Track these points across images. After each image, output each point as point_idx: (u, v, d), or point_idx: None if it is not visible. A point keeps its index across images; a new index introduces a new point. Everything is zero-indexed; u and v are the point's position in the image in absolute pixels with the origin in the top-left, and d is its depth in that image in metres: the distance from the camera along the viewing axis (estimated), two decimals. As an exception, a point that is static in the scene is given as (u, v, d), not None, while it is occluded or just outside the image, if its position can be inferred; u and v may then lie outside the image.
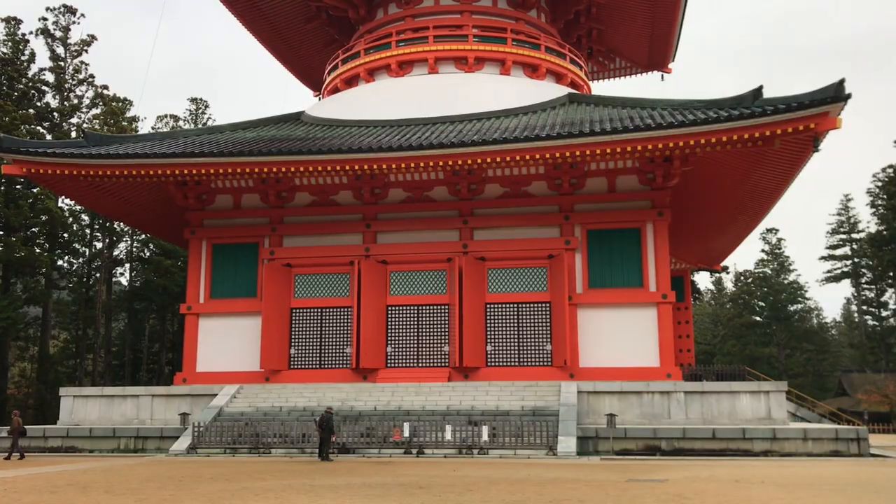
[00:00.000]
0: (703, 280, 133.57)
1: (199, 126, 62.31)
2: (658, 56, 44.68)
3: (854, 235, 77.27)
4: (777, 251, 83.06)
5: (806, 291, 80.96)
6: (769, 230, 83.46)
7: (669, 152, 26.44)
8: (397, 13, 36.08)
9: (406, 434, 23.52)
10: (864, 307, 77.22)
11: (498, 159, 26.14)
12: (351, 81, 35.76)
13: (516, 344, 29.42)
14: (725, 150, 25.81)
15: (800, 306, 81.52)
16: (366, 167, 27.10)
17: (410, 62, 34.28)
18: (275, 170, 27.56)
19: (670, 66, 46.00)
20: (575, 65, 36.05)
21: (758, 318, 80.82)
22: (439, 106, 31.52)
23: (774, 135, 24.04)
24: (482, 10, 35.50)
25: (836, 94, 23.11)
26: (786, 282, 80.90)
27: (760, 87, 25.12)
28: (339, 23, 40.27)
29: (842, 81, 23.15)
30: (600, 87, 48.97)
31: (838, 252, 78.01)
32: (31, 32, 54.87)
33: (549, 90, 33.05)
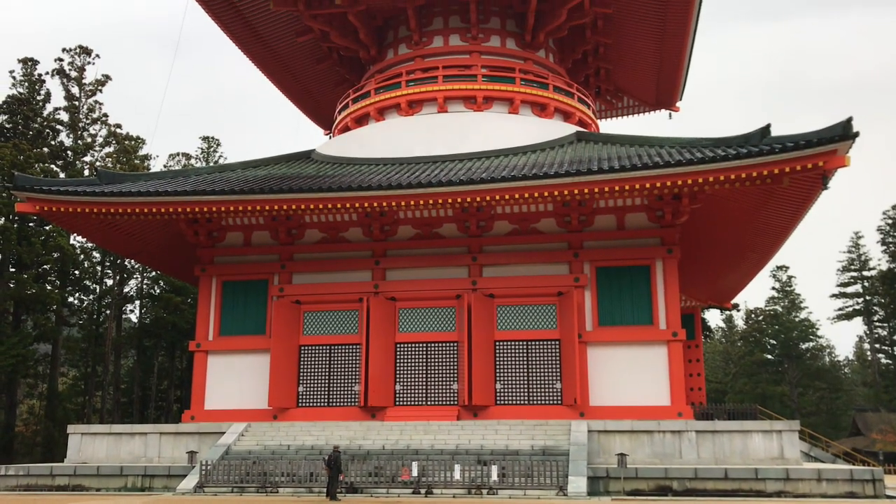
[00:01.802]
0: (713, 318, 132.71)
1: (211, 164, 62.93)
2: (665, 95, 44.99)
3: (865, 273, 76.83)
4: (788, 289, 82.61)
5: (817, 329, 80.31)
6: (779, 267, 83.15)
7: (678, 190, 26.50)
8: (407, 53, 36.55)
9: (414, 474, 23.29)
10: (877, 345, 76.46)
11: (507, 197, 26.25)
12: (361, 120, 36.12)
13: (526, 382, 29.25)
14: (734, 188, 25.84)
15: (812, 344, 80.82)
16: (375, 205, 27.24)
17: (420, 101, 34.63)
18: (285, 207, 27.73)
19: (678, 104, 46.29)
20: (583, 103, 36.33)
21: (769, 356, 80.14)
22: (448, 144, 31.77)
23: (783, 173, 24.08)
24: (491, 50, 35.91)
25: (844, 133, 23.18)
26: (797, 319, 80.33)
27: (768, 126, 25.22)
28: (349, 63, 40.81)
29: (849, 120, 23.23)
30: (608, 126, 49.27)
31: (850, 290, 77.52)
32: (46, 73, 55.88)
33: (558, 128, 33.28)
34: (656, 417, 26.97)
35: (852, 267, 77.59)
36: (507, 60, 35.70)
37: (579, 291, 29.21)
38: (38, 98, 54.13)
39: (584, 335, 28.82)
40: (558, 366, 29.05)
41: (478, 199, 26.45)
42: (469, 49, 35.79)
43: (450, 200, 26.69)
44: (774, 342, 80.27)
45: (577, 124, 35.43)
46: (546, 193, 25.97)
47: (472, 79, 34.57)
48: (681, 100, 45.79)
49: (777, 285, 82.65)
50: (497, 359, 29.59)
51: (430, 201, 26.81)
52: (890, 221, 70.34)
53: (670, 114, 47.06)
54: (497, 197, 26.26)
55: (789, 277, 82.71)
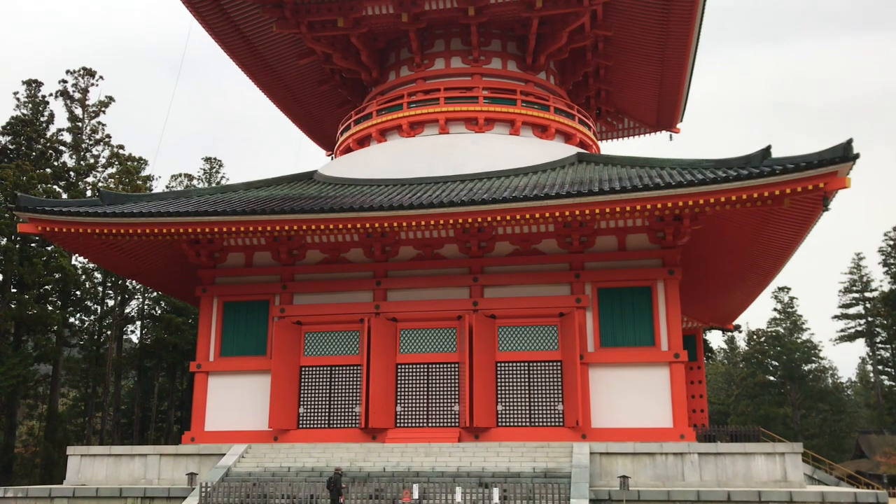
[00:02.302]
0: (715, 339, 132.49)
1: (213, 185, 63.12)
2: (666, 116, 45.20)
3: (867, 294, 76.79)
4: (789, 310, 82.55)
5: (820, 350, 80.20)
6: (781, 288, 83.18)
7: (679, 211, 26.54)
8: (409, 76, 36.77)
9: (415, 496, 23.15)
10: (880, 367, 76.23)
11: (508, 217, 26.29)
12: (363, 141, 36.28)
13: (527, 403, 29.13)
14: (735, 210, 25.88)
15: (814, 366, 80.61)
16: (377, 225, 27.28)
17: (421, 123, 34.79)
18: (287, 228, 27.78)
19: (678, 126, 46.48)
20: (584, 125, 36.48)
21: (772, 378, 79.91)
22: (450, 165, 31.87)
23: (784, 194, 24.13)
24: (492, 72, 36.12)
25: (844, 154, 23.25)
26: (799, 341, 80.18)
27: (769, 147, 25.31)
28: (351, 85, 41.06)
29: (850, 141, 23.32)
30: (609, 147, 49.44)
31: (852, 311, 77.46)
32: (50, 94, 56.34)
33: (559, 150, 33.40)
34: (659, 439, 26.83)
35: (854, 288, 77.56)
36: (508, 82, 35.89)
37: (581, 312, 29.17)
38: (42, 119, 54.48)
39: (586, 356, 28.74)
40: (560, 387, 28.95)
41: (479, 219, 26.49)
42: (470, 71, 36.01)
43: (451, 221, 26.73)
44: (777, 364, 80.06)
45: (578, 145, 35.56)
46: (547, 214, 26.01)
47: (473, 100, 34.75)
48: (681, 121, 46.00)
49: (779, 306, 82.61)
50: (498, 380, 29.50)
51: (432, 222, 26.85)
52: (891, 243, 70.43)
53: (671, 135, 47.26)
54: (498, 217, 26.31)
55: (791, 298, 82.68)
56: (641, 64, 39.22)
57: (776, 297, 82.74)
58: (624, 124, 47.78)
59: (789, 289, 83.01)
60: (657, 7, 34.09)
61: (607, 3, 33.96)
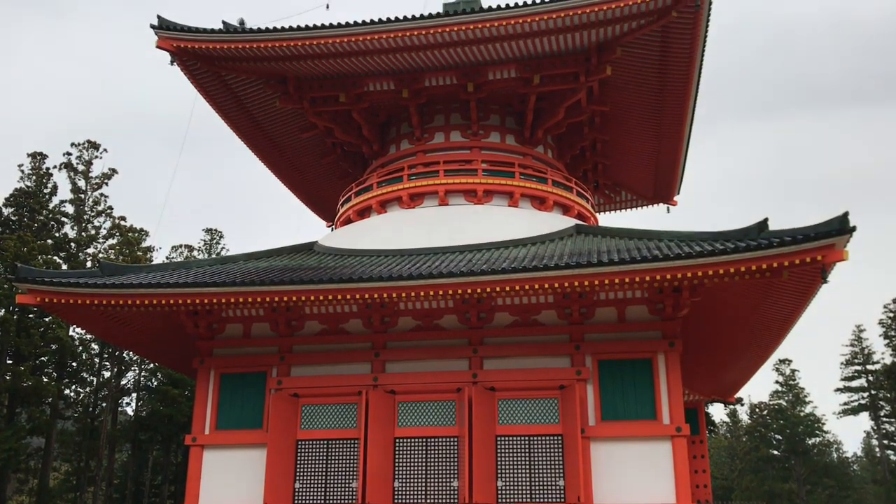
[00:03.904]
0: (717, 412, 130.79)
1: (213, 256, 63.35)
2: (663, 189, 45.71)
3: (869, 367, 76.26)
4: (791, 382, 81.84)
5: (824, 424, 79.13)
6: (782, 361, 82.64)
7: (678, 283, 26.57)
8: (409, 149, 37.34)
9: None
10: (885, 441, 75.14)
11: (507, 288, 26.30)
12: (363, 213, 36.59)
13: (528, 479, 28.58)
14: (734, 282, 25.93)
15: (818, 440, 79.53)
16: (375, 296, 27.26)
17: (421, 194, 35.16)
18: (285, 299, 27.75)
19: (676, 198, 46.97)
20: (581, 197, 36.86)
21: (775, 452, 78.71)
22: (449, 236, 32.06)
23: (782, 266, 24.19)
24: (491, 146, 36.70)
25: (840, 227, 23.41)
26: (802, 414, 79.23)
27: (766, 220, 25.50)
28: (352, 157, 41.66)
29: (846, 214, 23.50)
30: (607, 219, 49.88)
31: (854, 384, 76.83)
32: (55, 166, 56.96)
33: (557, 221, 33.66)
34: (662, 516, 26.24)
35: (856, 361, 77.06)
36: (506, 156, 36.43)
37: (581, 385, 28.89)
38: (45, 191, 55.00)
39: (587, 430, 28.34)
40: (561, 462, 28.46)
41: (478, 290, 26.49)
42: (469, 145, 36.58)
43: (450, 292, 26.73)
44: (780, 437, 78.94)
45: (577, 217, 35.85)
46: (546, 285, 26.03)
47: (472, 173, 35.20)
48: (678, 194, 46.49)
49: (781, 379, 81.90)
50: (498, 455, 29.02)
51: (431, 292, 26.85)
52: (892, 315, 70.27)
53: (668, 207, 47.69)
54: (497, 288, 26.32)
55: (792, 371, 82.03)
56: (638, 138, 39.88)
57: (778, 370, 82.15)
58: (621, 196, 48.28)
59: (791, 361, 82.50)
60: (652, 83, 34.92)
61: (603, 80, 34.75)
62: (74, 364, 52.77)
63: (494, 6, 30.66)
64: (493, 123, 37.33)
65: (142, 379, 57.61)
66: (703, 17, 30.50)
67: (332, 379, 30.83)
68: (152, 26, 33.63)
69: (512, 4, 30.40)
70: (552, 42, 32.37)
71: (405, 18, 31.44)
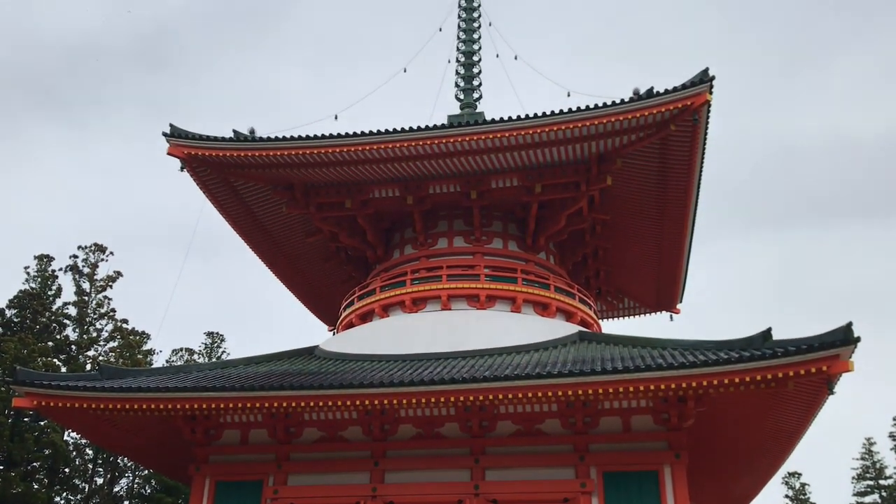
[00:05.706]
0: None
1: (214, 359, 62.94)
2: (666, 297, 45.74)
3: (882, 482, 74.16)
4: (802, 497, 79.33)
5: (838, 541, 76.34)
6: (791, 474, 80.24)
7: (682, 393, 26.20)
8: (412, 254, 37.65)
9: None
10: (903, 561, 72.25)
11: (510, 396, 25.95)
12: (366, 317, 36.54)
13: None
14: (739, 391, 25.58)
15: (833, 558, 76.44)
16: (376, 402, 26.87)
17: (424, 299, 35.20)
18: (284, 404, 27.35)
19: (678, 306, 46.93)
20: (584, 304, 36.86)
21: (789, 572, 75.51)
22: (451, 342, 31.90)
23: (787, 377, 23.92)
24: (493, 252, 37.02)
25: (845, 337, 23.26)
26: (815, 530, 76.49)
27: (769, 329, 25.41)
28: (356, 261, 41.96)
29: (849, 324, 23.38)
30: (610, 326, 49.73)
31: (867, 500, 74.42)
32: (60, 269, 57.31)
33: (560, 328, 33.53)
34: None
35: (867, 475, 74.95)
36: (509, 261, 36.66)
37: (586, 498, 28.02)
38: (50, 293, 55.18)
39: (592, 545, 27.34)
40: (565, 579, 27.31)
41: (480, 397, 26.13)
42: (472, 250, 36.89)
43: (452, 399, 26.36)
44: (793, 555, 75.94)
45: (580, 324, 35.73)
46: (549, 393, 25.68)
47: (475, 278, 35.35)
48: (681, 302, 46.48)
49: (790, 493, 79.41)
50: (500, 570, 27.87)
51: (432, 399, 26.48)
52: (902, 427, 68.83)
53: (671, 315, 47.58)
54: (500, 396, 25.96)
55: (803, 485, 79.63)
56: (639, 246, 40.22)
57: (787, 483, 79.77)
58: (624, 304, 48.25)
59: (800, 474, 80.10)
60: (652, 193, 35.50)
61: (604, 189, 35.33)
62: (67, 470, 51.55)
63: (497, 118, 31.54)
64: (496, 230, 37.77)
65: (136, 486, 56.17)
66: (701, 131, 31.29)
67: (330, 489, 29.97)
68: (164, 134, 34.59)
69: (514, 117, 31.29)
70: (554, 152, 33.11)
71: (411, 129, 32.29)
